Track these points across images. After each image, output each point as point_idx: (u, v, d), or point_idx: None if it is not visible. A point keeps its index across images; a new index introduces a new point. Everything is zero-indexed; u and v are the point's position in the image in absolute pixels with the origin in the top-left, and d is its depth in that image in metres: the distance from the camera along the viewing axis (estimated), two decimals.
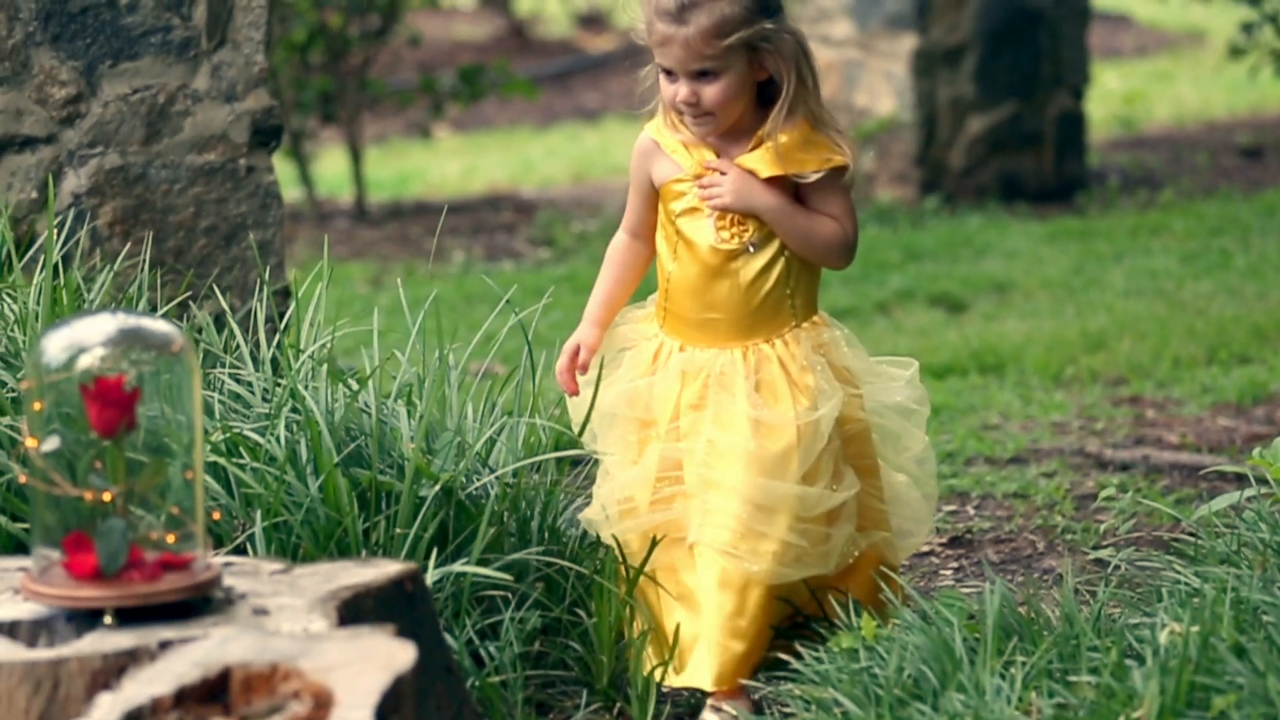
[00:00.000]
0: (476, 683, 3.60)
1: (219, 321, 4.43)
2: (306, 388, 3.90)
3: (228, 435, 3.81)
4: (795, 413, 3.71)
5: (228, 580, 3.00)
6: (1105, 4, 13.76)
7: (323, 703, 2.63)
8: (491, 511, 3.74)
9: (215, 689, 2.69)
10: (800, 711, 3.50)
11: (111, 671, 2.75)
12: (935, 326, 7.13)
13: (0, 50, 4.48)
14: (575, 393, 3.87)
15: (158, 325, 2.94)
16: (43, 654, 2.78)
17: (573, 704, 3.72)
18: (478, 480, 3.85)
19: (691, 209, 3.78)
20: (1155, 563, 3.98)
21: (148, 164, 4.59)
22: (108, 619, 2.86)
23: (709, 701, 3.71)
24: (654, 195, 3.84)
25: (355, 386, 3.95)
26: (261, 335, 4.18)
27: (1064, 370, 6.22)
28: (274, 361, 4.12)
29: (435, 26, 14.13)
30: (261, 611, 2.90)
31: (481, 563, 3.69)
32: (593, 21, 15.12)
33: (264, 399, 4.01)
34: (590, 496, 3.87)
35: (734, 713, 3.66)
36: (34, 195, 4.52)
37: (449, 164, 11.36)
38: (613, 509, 3.78)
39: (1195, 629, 3.25)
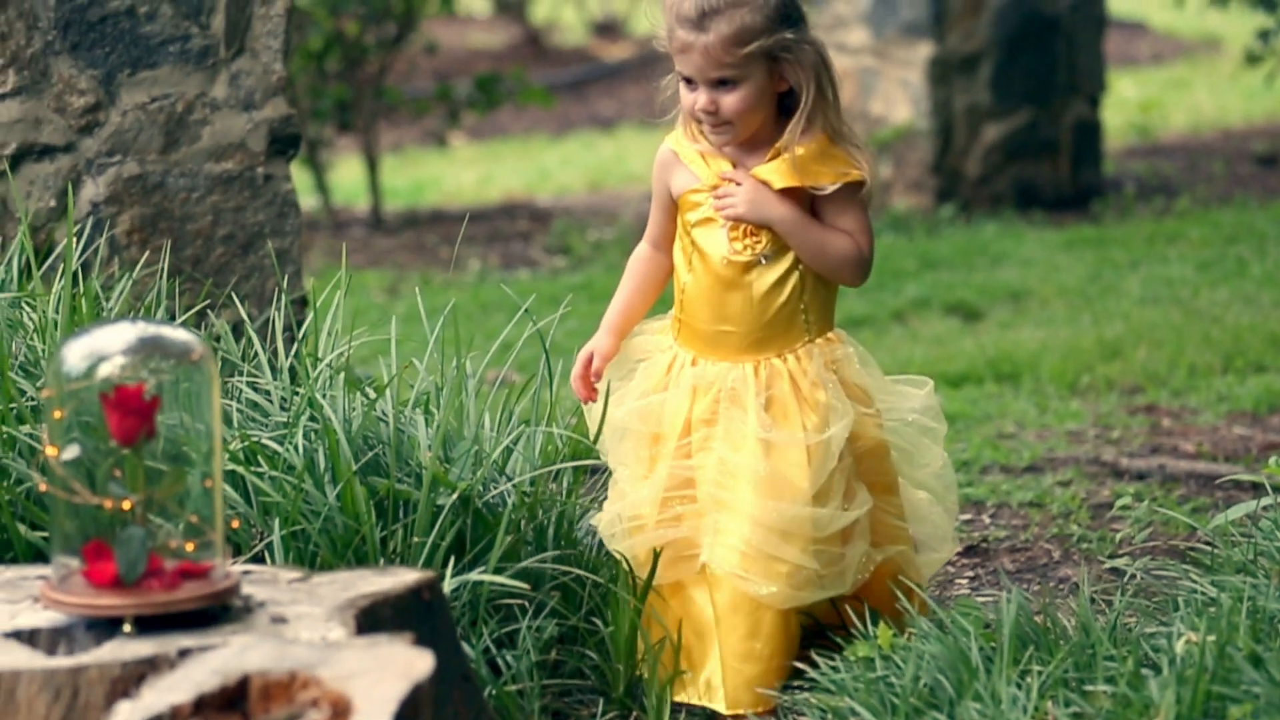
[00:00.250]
0: (494, 691, 3.60)
1: (237, 330, 4.44)
2: (324, 396, 3.91)
3: (246, 444, 3.82)
4: (805, 433, 3.70)
5: (246, 588, 3.01)
6: (1121, 11, 13.75)
7: (341, 711, 2.63)
8: (508, 520, 3.75)
9: (234, 697, 2.70)
10: None
11: (131, 679, 2.76)
12: (951, 335, 7.14)
13: (19, 59, 4.50)
14: (590, 400, 3.88)
15: (177, 334, 2.95)
16: (62, 662, 2.79)
17: (589, 713, 3.73)
18: (495, 489, 3.86)
19: (707, 219, 3.78)
20: (1171, 572, 3.98)
21: (166, 172, 4.60)
22: (127, 627, 2.87)
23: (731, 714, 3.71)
24: (674, 206, 3.84)
25: (373, 395, 3.96)
26: (279, 344, 4.19)
27: (1080, 379, 6.22)
28: (292, 370, 4.13)
29: (451, 34, 14.15)
30: (280, 620, 2.91)
31: (498, 571, 3.69)
32: (608, 29, 15.13)
33: (282, 407, 4.02)
34: (602, 507, 3.87)
35: None
36: (53, 204, 4.53)
37: (465, 172, 11.37)
38: (623, 525, 3.77)
39: (1211, 638, 3.25)
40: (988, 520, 4.91)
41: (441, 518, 3.72)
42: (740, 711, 3.69)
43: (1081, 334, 6.84)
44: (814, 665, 3.61)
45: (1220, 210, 9.11)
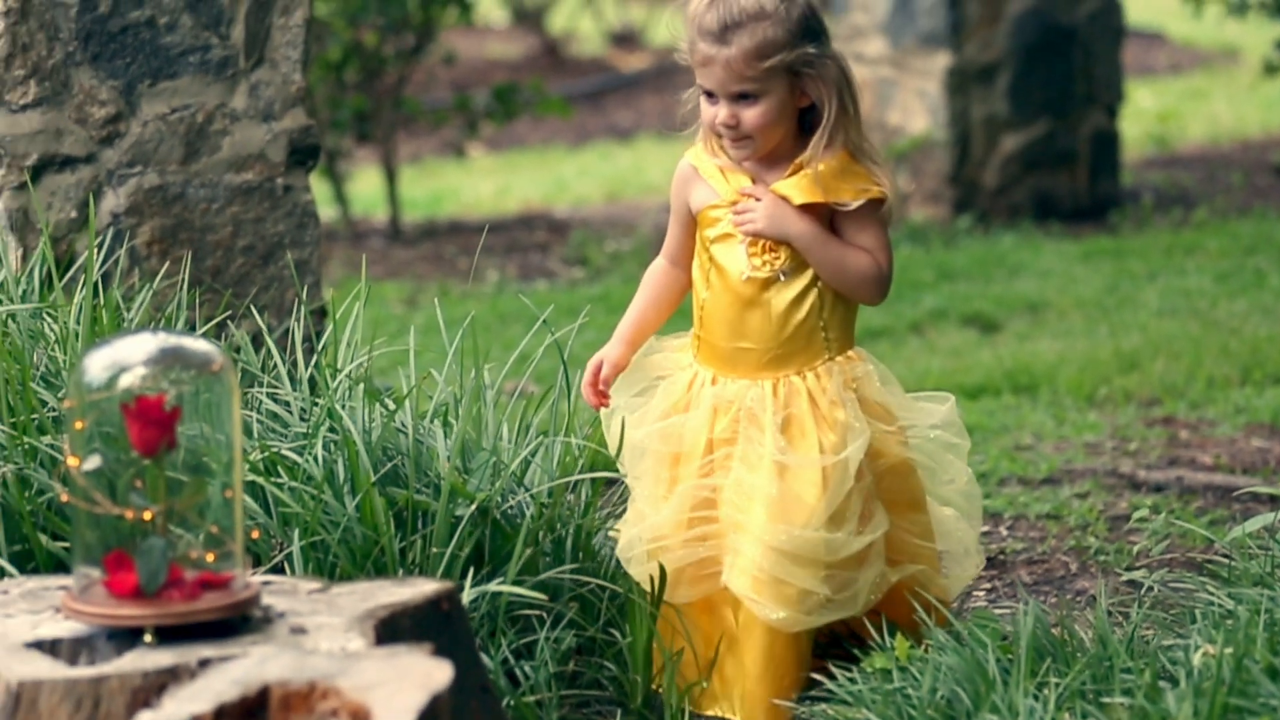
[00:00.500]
0: (512, 702, 3.61)
1: (256, 341, 4.45)
2: (344, 407, 3.92)
3: (266, 454, 3.83)
4: (822, 453, 3.68)
5: (266, 599, 3.02)
6: (1139, 21, 13.74)
7: None
8: (527, 531, 3.75)
9: (254, 707, 2.71)
10: None
11: (152, 689, 2.77)
12: (968, 346, 7.14)
13: (41, 70, 4.51)
14: (599, 406, 3.87)
15: (198, 344, 2.96)
16: (84, 672, 2.80)
17: None
18: (513, 499, 3.87)
19: (726, 235, 3.77)
20: (1189, 584, 3.98)
21: (186, 183, 4.62)
22: (148, 637, 2.88)
23: None
24: (692, 222, 3.83)
25: (392, 406, 3.97)
26: (299, 354, 4.20)
27: (1097, 390, 6.22)
28: (311, 381, 4.14)
29: (469, 45, 14.17)
30: (299, 630, 2.92)
31: (517, 582, 3.70)
32: (626, 40, 15.14)
33: (301, 418, 4.03)
34: (621, 527, 3.85)
35: None
36: (74, 215, 4.55)
37: (483, 183, 11.39)
38: (643, 548, 3.75)
39: (1229, 650, 3.26)
40: (1005, 532, 4.91)
41: (460, 528, 3.73)
42: None
43: (1099, 345, 6.84)
44: (830, 676, 3.62)
45: (1239, 221, 9.10)
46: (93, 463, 2.90)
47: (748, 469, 3.70)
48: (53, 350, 4.12)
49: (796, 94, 3.71)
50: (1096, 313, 7.51)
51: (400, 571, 3.72)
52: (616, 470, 3.89)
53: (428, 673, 2.71)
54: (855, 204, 3.72)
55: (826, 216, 3.75)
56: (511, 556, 3.72)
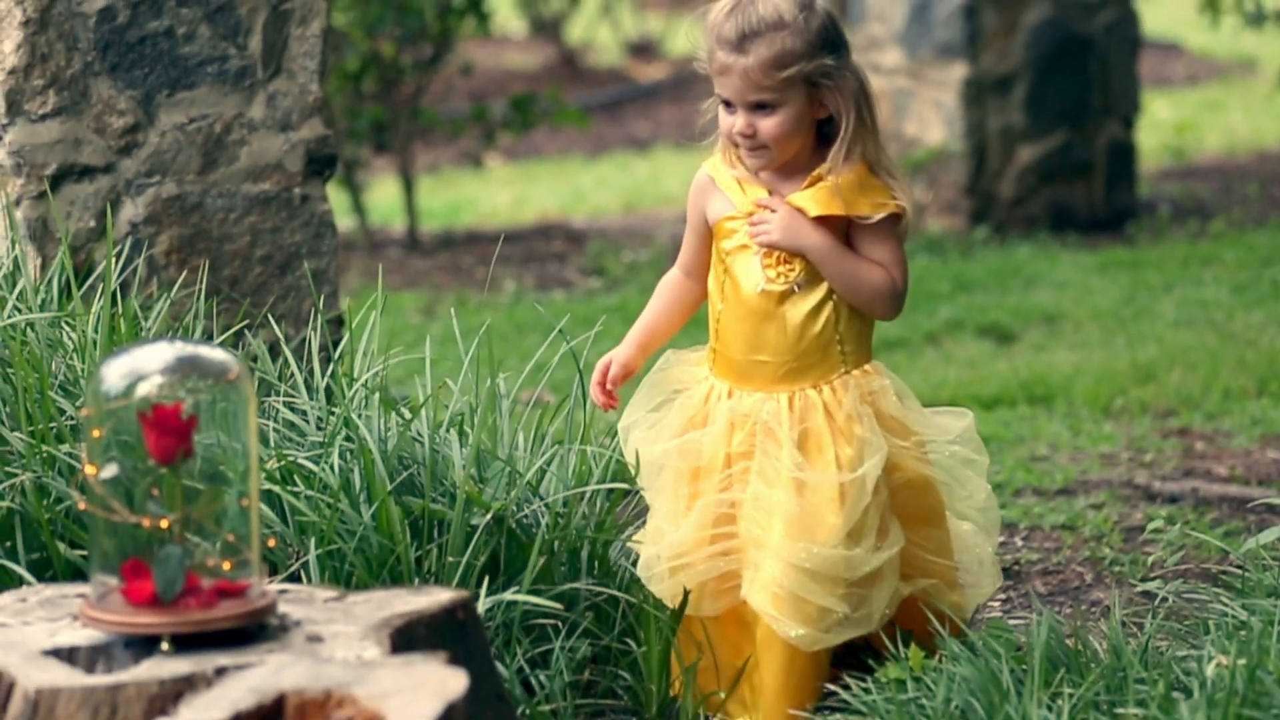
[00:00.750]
0: (527, 711, 3.62)
1: (273, 350, 4.46)
2: (360, 416, 3.93)
3: (282, 463, 3.84)
4: (839, 469, 3.67)
5: (282, 607, 3.03)
6: (1156, 32, 13.73)
7: None
8: (542, 540, 3.76)
9: (270, 715, 2.72)
10: None
11: (168, 697, 2.78)
12: (984, 357, 7.14)
13: (59, 80, 4.53)
14: (607, 408, 3.87)
15: (215, 353, 2.97)
16: (101, 680, 2.81)
17: None
18: (528, 509, 3.88)
19: (741, 247, 3.76)
20: (1203, 595, 3.98)
21: (204, 193, 4.63)
22: (165, 645, 2.89)
23: None
24: (709, 233, 3.82)
25: (408, 415, 3.98)
26: (315, 364, 4.22)
27: (1113, 402, 6.22)
28: (328, 390, 4.15)
29: (486, 55, 14.19)
30: (316, 639, 2.92)
31: (532, 591, 3.71)
32: (643, 50, 15.15)
33: (318, 427, 4.05)
34: (639, 540, 3.84)
35: None
36: (92, 224, 4.57)
37: (500, 193, 11.40)
38: (666, 565, 3.74)
39: (1242, 662, 3.26)
40: (1020, 543, 4.91)
41: (476, 537, 3.74)
42: None
43: (1115, 357, 6.83)
44: (845, 686, 3.62)
45: (1255, 233, 9.09)
46: (110, 471, 2.92)
47: (765, 484, 3.69)
48: (71, 359, 4.13)
49: (814, 105, 3.71)
50: (1113, 324, 7.51)
51: (416, 580, 3.73)
52: (632, 480, 3.89)
53: (443, 681, 2.72)
54: (874, 218, 3.72)
55: (842, 230, 3.74)
56: (527, 565, 3.73)
